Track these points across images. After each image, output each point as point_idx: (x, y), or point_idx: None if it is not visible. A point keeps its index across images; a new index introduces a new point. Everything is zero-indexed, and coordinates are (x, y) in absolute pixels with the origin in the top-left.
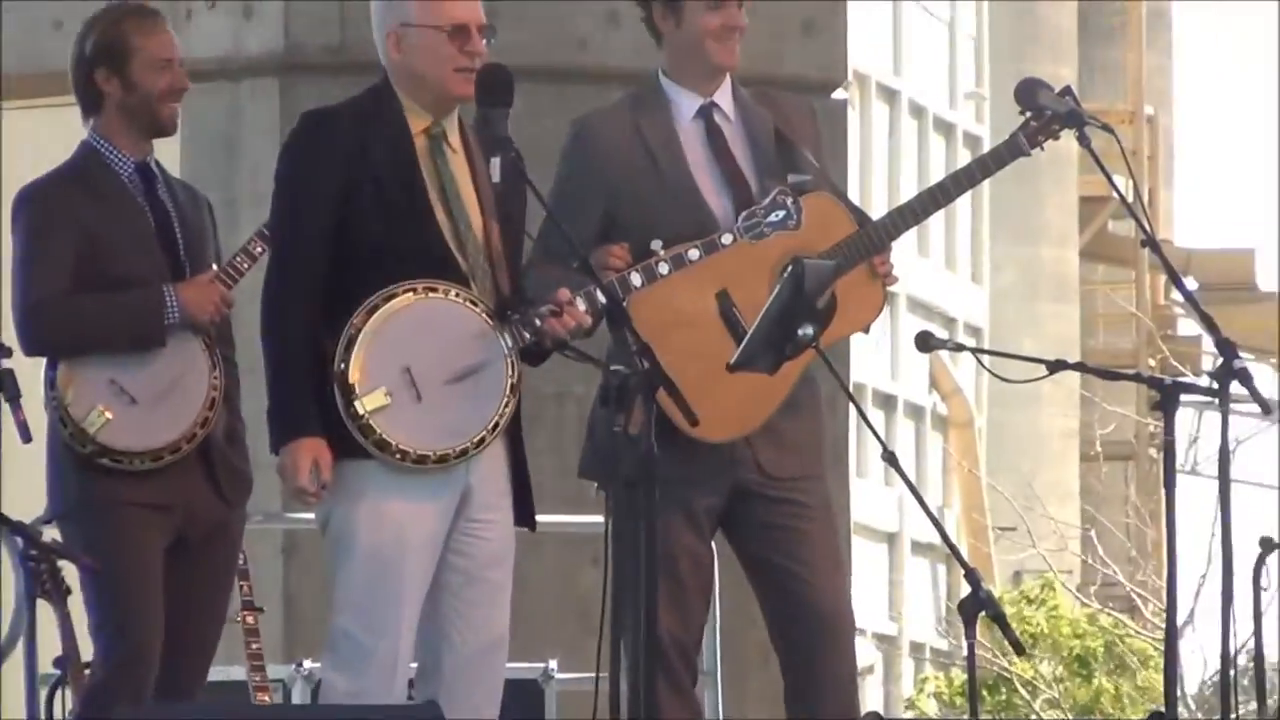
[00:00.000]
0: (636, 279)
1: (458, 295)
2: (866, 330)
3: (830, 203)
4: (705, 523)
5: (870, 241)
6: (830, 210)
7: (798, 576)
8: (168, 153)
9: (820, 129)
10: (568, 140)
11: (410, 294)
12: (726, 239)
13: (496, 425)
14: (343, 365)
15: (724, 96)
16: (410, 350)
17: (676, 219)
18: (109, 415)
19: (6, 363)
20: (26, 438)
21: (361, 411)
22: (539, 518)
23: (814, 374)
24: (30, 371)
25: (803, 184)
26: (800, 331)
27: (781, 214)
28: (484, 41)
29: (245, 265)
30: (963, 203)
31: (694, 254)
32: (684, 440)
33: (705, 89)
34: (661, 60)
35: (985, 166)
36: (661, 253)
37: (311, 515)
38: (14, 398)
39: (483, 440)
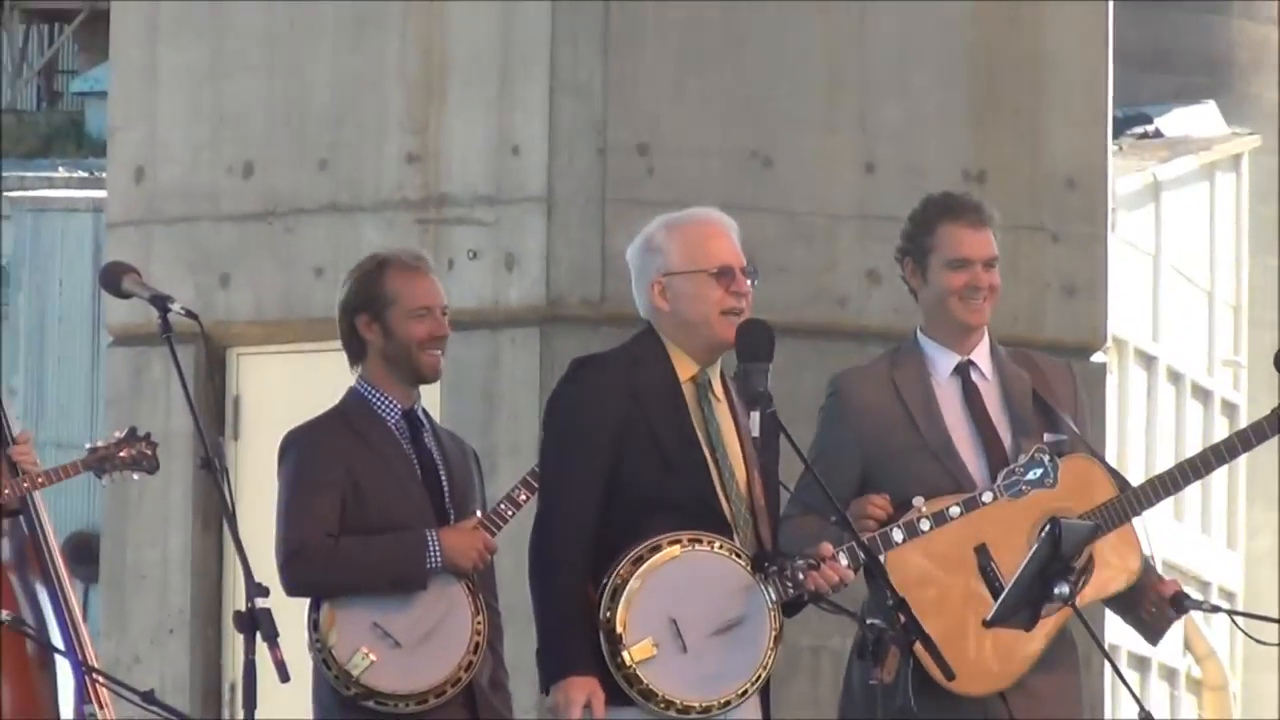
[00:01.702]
0: (898, 535)
1: (722, 547)
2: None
3: (1090, 465)
4: None
5: (1129, 506)
6: (1090, 472)
7: None
8: (429, 400)
9: (1081, 392)
10: (827, 397)
11: (676, 545)
12: (987, 497)
13: (759, 677)
14: (609, 614)
15: (981, 355)
16: (676, 601)
17: (932, 476)
18: (373, 657)
19: (263, 602)
20: (285, 677)
21: (629, 661)
22: None
23: (1070, 633)
24: (285, 612)
25: (1060, 444)
26: (1057, 590)
27: (1039, 471)
28: (748, 282)
29: (510, 513)
30: None
31: (955, 510)
32: (940, 693)
33: (962, 347)
34: (920, 317)
35: (1246, 440)
36: (923, 509)
37: None
38: (271, 637)
39: (745, 691)
